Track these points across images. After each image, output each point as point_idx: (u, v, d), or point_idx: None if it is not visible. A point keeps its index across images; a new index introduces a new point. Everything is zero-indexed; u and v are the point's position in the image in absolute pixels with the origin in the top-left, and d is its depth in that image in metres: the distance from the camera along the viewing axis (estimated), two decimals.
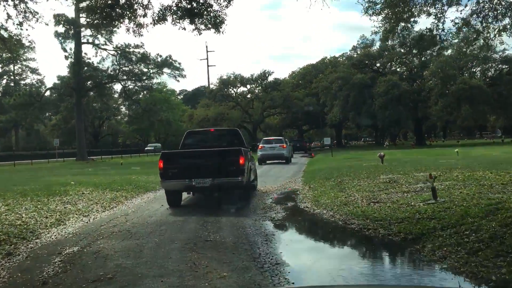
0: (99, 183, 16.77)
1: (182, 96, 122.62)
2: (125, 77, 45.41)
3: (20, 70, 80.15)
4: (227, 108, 64.08)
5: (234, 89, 66.59)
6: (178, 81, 48.89)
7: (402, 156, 29.08)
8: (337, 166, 22.05)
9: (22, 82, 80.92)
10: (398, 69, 59.75)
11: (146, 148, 72.97)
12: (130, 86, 48.70)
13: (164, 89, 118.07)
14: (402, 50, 57.77)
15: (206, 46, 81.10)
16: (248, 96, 66.83)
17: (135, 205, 12.13)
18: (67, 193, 13.39)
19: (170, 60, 45.69)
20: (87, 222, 9.56)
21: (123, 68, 45.67)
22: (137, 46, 46.02)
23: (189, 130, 16.83)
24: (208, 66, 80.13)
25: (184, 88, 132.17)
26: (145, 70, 45.29)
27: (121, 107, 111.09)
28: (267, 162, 29.04)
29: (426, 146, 54.81)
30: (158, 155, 12.92)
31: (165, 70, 46.46)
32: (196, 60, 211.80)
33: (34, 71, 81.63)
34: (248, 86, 66.90)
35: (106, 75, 45.18)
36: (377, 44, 61.05)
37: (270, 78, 66.08)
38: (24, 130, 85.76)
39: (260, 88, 66.87)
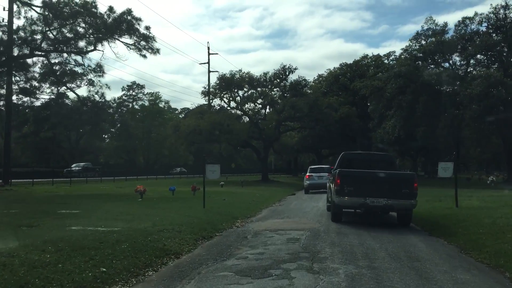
0: None
1: (183, 115, 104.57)
2: (47, 47, 25.55)
3: None
4: (228, 117, 44.39)
5: (240, 92, 46.95)
6: (144, 56, 27.40)
7: None
8: None
9: None
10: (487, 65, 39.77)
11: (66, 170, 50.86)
12: (56, 60, 28.39)
13: (157, 101, 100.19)
14: (495, 36, 38.22)
15: (208, 48, 61.56)
16: (259, 102, 47.03)
17: None
18: None
19: (130, 19, 26.21)
20: None
21: (49, 33, 26.03)
22: (85, 3, 26.74)
23: (344, 152, 15.49)
24: (209, 71, 61.32)
25: (186, 107, 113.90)
26: (82, 31, 25.58)
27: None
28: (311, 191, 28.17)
29: None
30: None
31: (123, 38, 26.97)
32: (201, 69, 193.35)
33: None
34: (260, 89, 47.16)
35: (19, 41, 25.59)
36: (451, 32, 41.89)
37: (292, 77, 46.50)
38: None
39: (277, 90, 47.19)
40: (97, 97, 32.18)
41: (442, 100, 35.05)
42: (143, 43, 27.83)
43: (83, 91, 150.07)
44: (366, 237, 9.95)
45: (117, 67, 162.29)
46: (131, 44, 27.43)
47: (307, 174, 29.81)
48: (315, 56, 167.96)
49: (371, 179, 11.84)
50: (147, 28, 27.53)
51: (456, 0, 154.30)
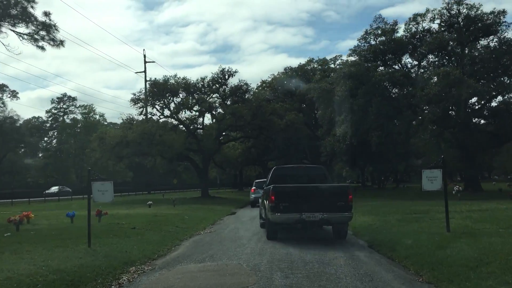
0: None
1: None
2: None
3: None
4: (161, 127, 39.13)
5: (175, 99, 41.80)
6: (42, 48, 21.84)
7: None
8: None
9: None
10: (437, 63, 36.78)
11: None
12: None
13: (91, 114, 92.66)
14: (447, 34, 35.49)
15: (144, 55, 56.12)
16: (195, 109, 41.96)
17: None
18: None
19: (20, 0, 20.91)
20: None
21: None
22: None
23: (275, 166, 16.09)
24: (146, 80, 55.62)
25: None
26: None
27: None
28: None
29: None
30: None
31: (18, 27, 21.58)
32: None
33: None
34: (197, 96, 42.17)
35: None
36: (401, 30, 39.02)
37: (233, 81, 41.96)
38: None
39: (216, 97, 42.41)
40: None
41: (396, 103, 31.73)
42: (42, 33, 22.40)
43: None
44: None
45: (58, 82, 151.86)
46: (25, 34, 21.93)
47: (252, 188, 30.34)
48: (260, 70, 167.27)
49: (306, 194, 11.52)
50: (47, 14, 22.14)
51: (393, 16, 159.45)
